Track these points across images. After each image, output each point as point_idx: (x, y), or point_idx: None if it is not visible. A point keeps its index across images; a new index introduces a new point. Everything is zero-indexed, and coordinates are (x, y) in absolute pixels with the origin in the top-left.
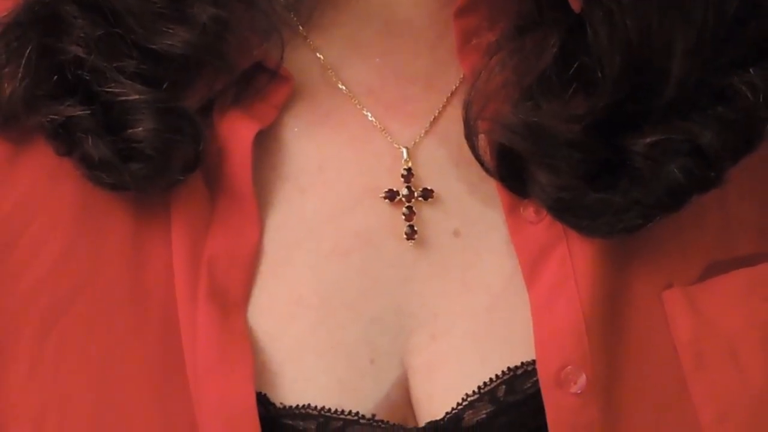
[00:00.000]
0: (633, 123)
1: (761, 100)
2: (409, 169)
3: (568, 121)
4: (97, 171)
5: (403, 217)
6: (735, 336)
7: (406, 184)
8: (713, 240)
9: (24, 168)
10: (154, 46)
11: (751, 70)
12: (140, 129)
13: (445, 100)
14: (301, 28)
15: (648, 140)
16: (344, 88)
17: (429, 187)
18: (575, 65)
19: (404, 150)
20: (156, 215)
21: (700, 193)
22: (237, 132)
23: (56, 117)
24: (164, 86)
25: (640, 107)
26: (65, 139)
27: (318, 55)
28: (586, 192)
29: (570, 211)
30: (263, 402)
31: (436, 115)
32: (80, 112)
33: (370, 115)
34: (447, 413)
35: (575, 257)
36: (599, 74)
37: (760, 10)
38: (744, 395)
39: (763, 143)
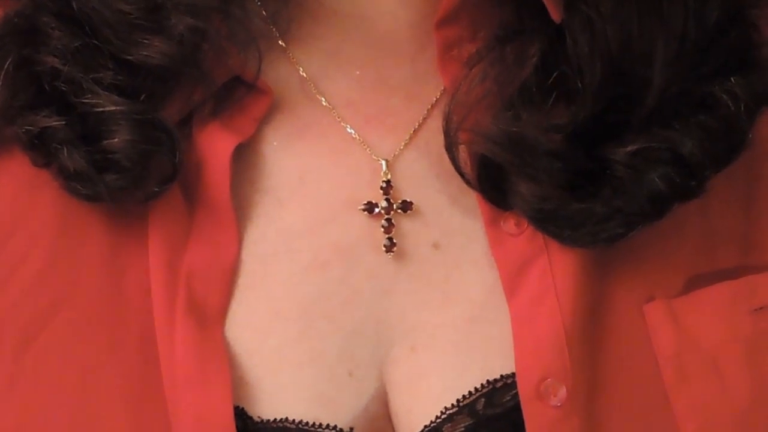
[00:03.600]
0: (614, 132)
1: (742, 109)
2: (387, 182)
3: (548, 130)
4: (73, 182)
5: (382, 229)
6: (717, 350)
7: (384, 197)
8: (695, 252)
9: (2, 179)
10: (130, 57)
11: (732, 79)
12: (116, 140)
13: (425, 111)
14: (280, 41)
15: (629, 149)
16: (324, 100)
17: (408, 200)
18: (556, 75)
19: (383, 162)
20: (134, 228)
21: (681, 202)
22: (216, 145)
23: (32, 128)
24: (141, 98)
25: (621, 116)
26: (41, 149)
27: (297, 67)
28: (568, 202)
29: (551, 222)
30: (241, 416)
31: (417, 127)
32: (55, 123)
33: (349, 127)
34: (426, 426)
35: (556, 270)
36: (579, 84)
37: (740, 18)
38: (726, 409)
39: (745, 154)
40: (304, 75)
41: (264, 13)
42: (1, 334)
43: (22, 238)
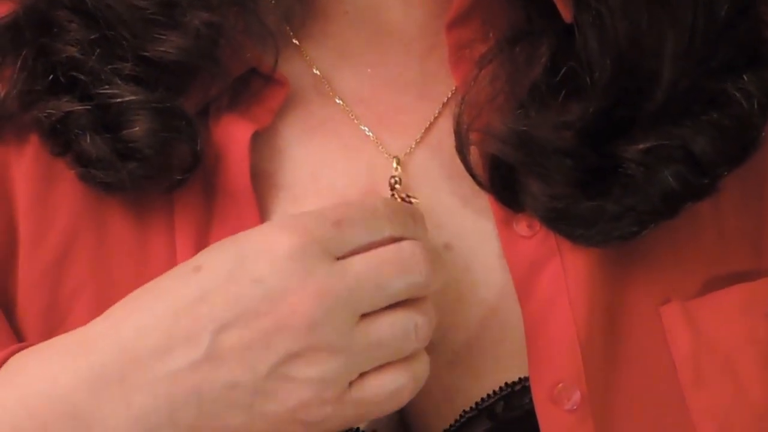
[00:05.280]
0: (624, 129)
1: (755, 107)
2: (395, 178)
3: (558, 128)
4: (93, 169)
5: None
6: (734, 352)
7: (390, 193)
8: (710, 254)
9: (21, 164)
10: (146, 53)
11: (744, 76)
12: (137, 129)
13: (437, 111)
14: (294, 39)
15: (641, 146)
16: (337, 97)
17: (407, 195)
18: (564, 71)
19: (394, 160)
20: (158, 218)
21: (694, 201)
22: (233, 134)
23: (54, 112)
24: (159, 90)
25: (632, 113)
26: (62, 136)
27: (311, 64)
28: (579, 200)
29: (563, 221)
30: None
31: (428, 126)
32: (78, 108)
33: (362, 125)
34: (445, 430)
35: (569, 272)
36: (589, 80)
37: (750, 14)
38: (743, 412)
39: (759, 157)
40: (317, 72)
41: (276, 11)
42: (24, 316)
43: (40, 219)
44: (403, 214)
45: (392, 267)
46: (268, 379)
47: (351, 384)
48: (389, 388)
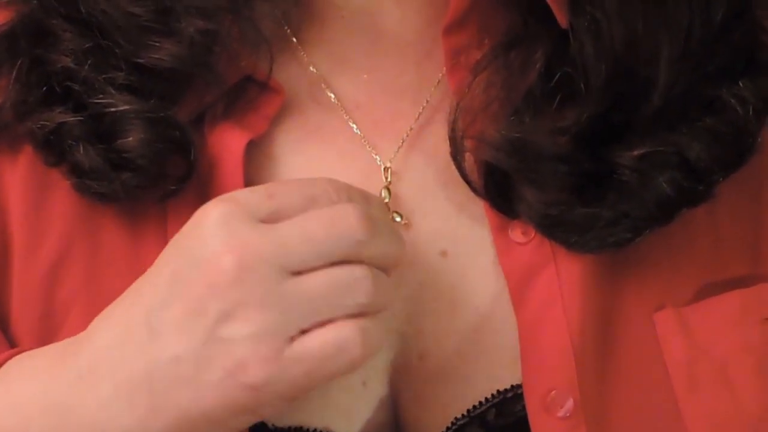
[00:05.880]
0: (619, 135)
1: (751, 113)
2: (386, 189)
3: (552, 134)
4: (86, 180)
5: None
6: (728, 359)
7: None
8: (705, 261)
9: (14, 173)
10: (141, 61)
11: (740, 82)
12: (130, 139)
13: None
14: (294, 40)
15: (636, 153)
16: (334, 100)
17: (396, 213)
18: (559, 76)
19: (383, 167)
20: (152, 227)
21: (689, 207)
22: (228, 143)
23: (47, 123)
24: (153, 99)
25: (627, 118)
26: (55, 147)
27: (308, 69)
28: (574, 206)
29: (558, 227)
30: (257, 423)
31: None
32: (71, 119)
33: (358, 131)
34: None
35: (563, 279)
36: (583, 85)
37: (746, 19)
38: (737, 419)
39: (754, 163)
40: (315, 76)
41: (277, 14)
42: (19, 325)
43: (34, 228)
44: (352, 192)
45: (319, 223)
46: (205, 345)
47: (292, 341)
48: (332, 342)
